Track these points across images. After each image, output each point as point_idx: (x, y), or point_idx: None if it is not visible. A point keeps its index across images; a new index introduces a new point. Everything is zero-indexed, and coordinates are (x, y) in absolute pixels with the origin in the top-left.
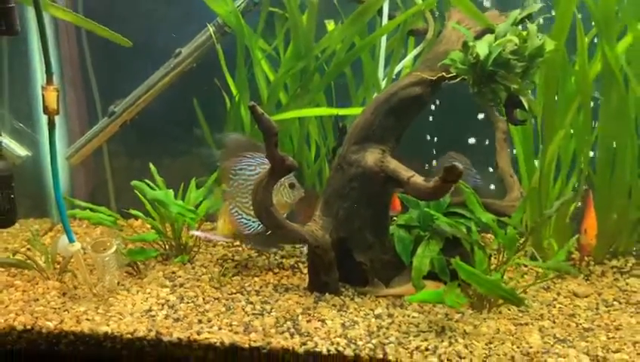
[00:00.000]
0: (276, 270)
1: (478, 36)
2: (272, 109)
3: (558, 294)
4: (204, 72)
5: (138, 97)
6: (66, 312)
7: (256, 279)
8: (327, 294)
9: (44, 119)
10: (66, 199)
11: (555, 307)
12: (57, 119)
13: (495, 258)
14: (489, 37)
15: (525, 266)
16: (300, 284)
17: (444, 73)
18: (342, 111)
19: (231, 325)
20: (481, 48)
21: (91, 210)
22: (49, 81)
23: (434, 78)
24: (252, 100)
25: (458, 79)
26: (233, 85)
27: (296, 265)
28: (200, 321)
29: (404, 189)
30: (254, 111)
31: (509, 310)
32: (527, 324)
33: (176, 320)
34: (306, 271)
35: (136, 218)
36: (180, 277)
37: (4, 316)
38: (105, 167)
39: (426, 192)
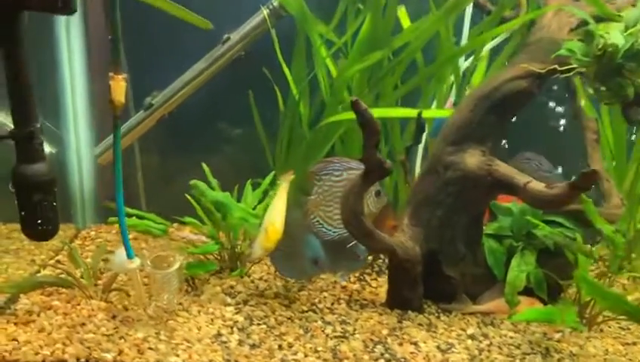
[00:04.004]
0: (342, 283)
1: (579, 26)
2: (335, 108)
3: None
4: (255, 62)
5: (179, 88)
6: (123, 340)
7: (325, 294)
8: (409, 312)
9: (69, 114)
10: (109, 206)
11: None
12: (82, 114)
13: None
14: (618, 26)
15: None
16: (375, 300)
17: (556, 66)
18: (428, 114)
19: (316, 351)
20: (617, 38)
21: (138, 216)
22: (116, 69)
23: (543, 71)
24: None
25: (573, 72)
26: (290, 78)
27: (362, 277)
28: (280, 347)
29: (517, 195)
30: (357, 106)
31: (610, 327)
32: (634, 344)
33: (253, 346)
34: (374, 283)
35: (183, 223)
36: (240, 292)
37: (50, 346)
38: (135, 167)
39: (546, 200)
